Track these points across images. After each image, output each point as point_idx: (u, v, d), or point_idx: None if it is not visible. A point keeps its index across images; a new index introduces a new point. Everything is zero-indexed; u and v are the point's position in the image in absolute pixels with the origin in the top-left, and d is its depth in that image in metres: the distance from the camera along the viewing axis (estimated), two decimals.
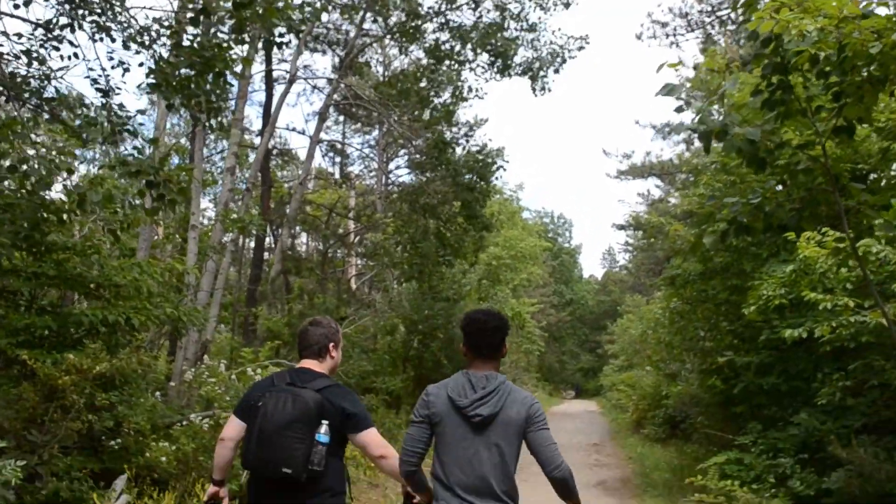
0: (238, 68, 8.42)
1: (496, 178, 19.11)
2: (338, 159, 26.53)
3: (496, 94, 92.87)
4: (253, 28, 7.32)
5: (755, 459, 8.74)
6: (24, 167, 6.77)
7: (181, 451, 7.87)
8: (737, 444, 9.33)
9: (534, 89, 18.70)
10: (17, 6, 7.17)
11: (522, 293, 38.12)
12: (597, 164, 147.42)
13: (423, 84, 18.71)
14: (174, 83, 6.76)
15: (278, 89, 18.66)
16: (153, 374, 10.16)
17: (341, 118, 27.02)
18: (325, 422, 3.85)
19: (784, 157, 5.14)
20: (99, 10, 7.17)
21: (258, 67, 18.39)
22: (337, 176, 26.90)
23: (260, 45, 10.20)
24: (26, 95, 7.46)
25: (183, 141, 19.55)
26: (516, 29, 18.26)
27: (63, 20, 7.21)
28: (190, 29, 6.97)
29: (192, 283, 12.31)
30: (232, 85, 9.34)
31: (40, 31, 7.35)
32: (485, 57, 18.47)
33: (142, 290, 8.47)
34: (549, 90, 18.85)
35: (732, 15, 20.59)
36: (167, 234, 18.20)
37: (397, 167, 25.68)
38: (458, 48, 18.25)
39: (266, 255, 22.50)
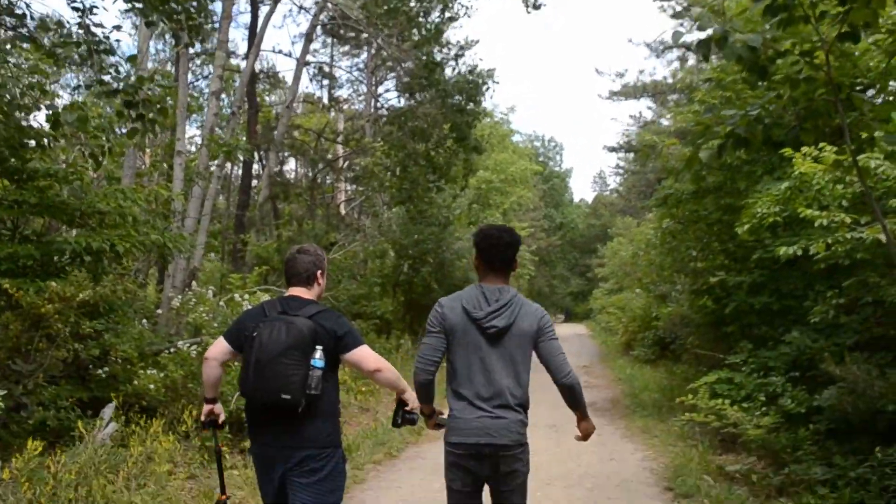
0: None
1: (487, 99, 18.85)
2: (326, 83, 26.08)
3: (487, 12, 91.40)
4: None
5: (746, 378, 8.71)
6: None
7: (169, 378, 7.82)
8: (727, 363, 9.30)
9: (526, 3, 18.20)
10: None
11: (513, 217, 38.12)
12: (589, 85, 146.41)
13: (412, 3, 18.25)
14: None
15: (263, 10, 18.17)
16: (140, 302, 10.04)
17: (329, 40, 26.52)
18: (318, 347, 3.93)
19: (783, 68, 4.96)
20: None
21: None
22: (325, 101, 26.50)
23: None
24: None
25: (169, 67, 19.13)
26: None
27: None
28: None
29: (178, 210, 12.13)
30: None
31: None
32: None
33: (126, 217, 8.31)
34: (543, 5, 18.34)
35: None
36: (154, 162, 17.93)
37: (387, 90, 25.31)
38: None
39: (254, 182, 22.24)
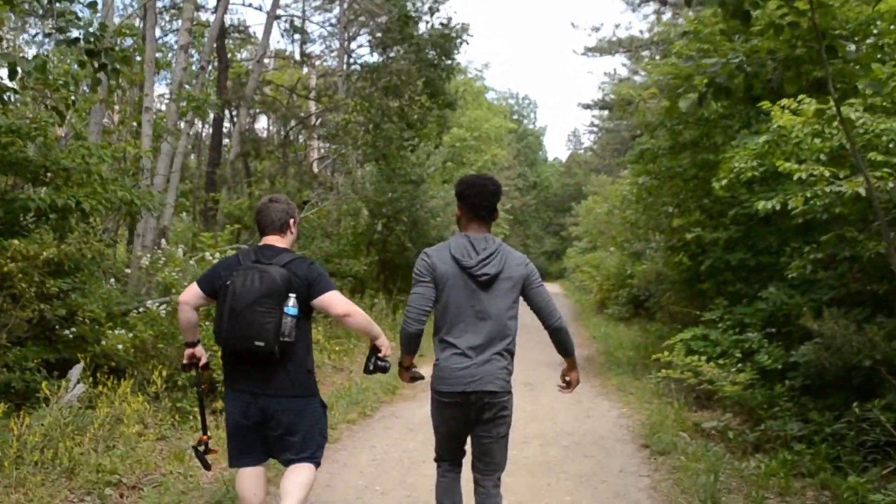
0: None
1: (460, 55, 18.62)
2: (297, 37, 25.58)
3: None
4: None
5: (721, 335, 8.69)
6: None
7: (138, 338, 7.64)
8: (703, 320, 9.28)
9: None
10: None
11: None
12: (564, 41, 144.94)
13: None
14: None
15: None
16: (108, 261, 9.84)
17: None
18: (292, 295, 4.01)
19: (764, 18, 4.85)
20: None
21: None
22: (297, 57, 26.05)
23: None
24: None
25: (137, 23, 18.64)
26: None
27: None
28: None
29: (147, 168, 11.87)
30: None
31: None
32: None
33: (93, 174, 8.09)
34: None
35: None
36: (122, 119, 17.55)
37: (360, 46, 24.93)
38: None
39: (226, 141, 21.86)
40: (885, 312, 6.81)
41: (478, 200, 4.02)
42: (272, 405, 4.10)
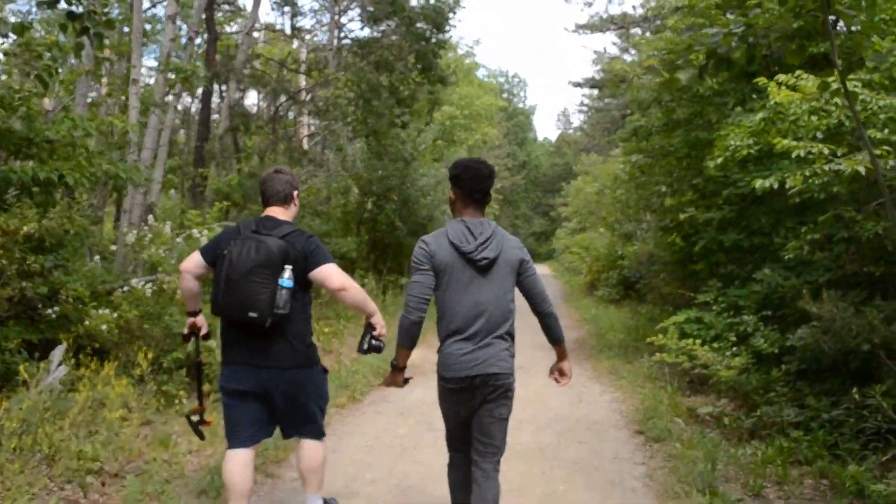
0: None
1: (452, 30, 18.38)
2: (287, 9, 25.22)
3: None
4: None
5: (715, 318, 8.57)
6: None
7: (123, 318, 7.45)
8: (696, 302, 9.15)
9: None
10: None
11: (478, 154, 37.69)
12: (554, 18, 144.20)
13: None
14: None
15: None
16: (92, 237, 9.62)
17: None
18: (288, 267, 4.04)
19: None
20: None
21: None
22: (287, 31, 25.71)
23: None
24: None
25: None
26: None
27: None
28: None
29: (134, 142, 11.63)
30: None
31: None
32: None
33: (77, 147, 7.88)
34: None
35: None
36: (109, 92, 17.28)
37: (350, 20, 24.61)
38: None
39: (215, 116, 21.57)
40: (883, 294, 6.71)
41: (473, 184, 4.02)
42: (273, 378, 4.14)
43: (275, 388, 4.17)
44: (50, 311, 7.13)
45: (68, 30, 5.71)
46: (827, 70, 6.67)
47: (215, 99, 21.27)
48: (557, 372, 4.34)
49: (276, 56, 24.07)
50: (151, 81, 17.65)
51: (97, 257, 9.09)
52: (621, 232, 19.45)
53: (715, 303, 8.80)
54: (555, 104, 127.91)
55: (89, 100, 14.07)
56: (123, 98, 14.73)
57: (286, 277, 4.01)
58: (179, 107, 19.46)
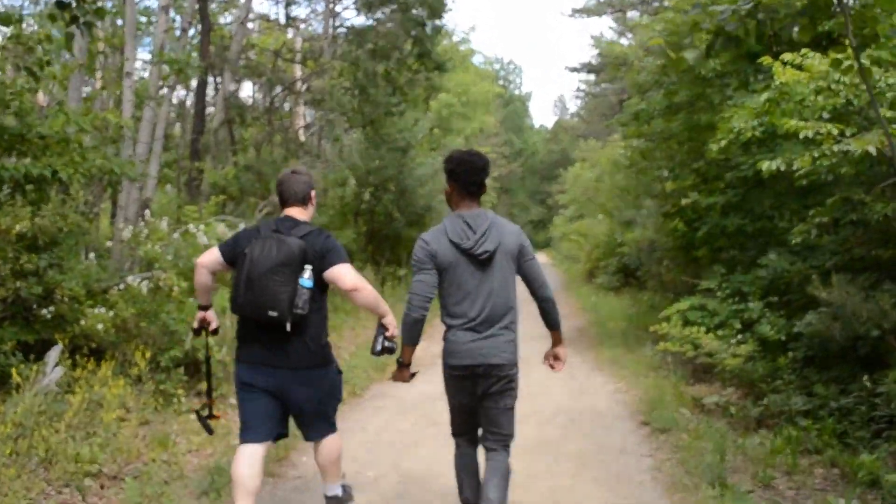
0: None
1: (447, 14, 18.19)
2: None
3: None
4: None
5: (719, 305, 8.45)
6: None
7: (119, 317, 7.32)
8: (700, 289, 9.02)
9: None
10: None
11: (475, 143, 37.52)
12: (549, 4, 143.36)
13: None
14: None
15: None
16: (87, 234, 9.48)
17: None
18: (308, 266, 4.08)
19: None
20: None
21: None
22: (282, 20, 25.50)
23: None
24: None
25: None
26: None
27: None
28: None
29: (129, 136, 11.48)
30: None
31: None
32: None
33: (71, 142, 7.75)
34: None
35: None
36: (104, 85, 17.11)
37: (345, 8, 24.36)
38: None
39: (211, 109, 21.40)
40: (892, 279, 6.57)
41: (468, 177, 4.07)
42: (289, 378, 4.20)
43: (290, 387, 4.22)
44: (45, 311, 6.99)
45: (57, 20, 5.60)
46: (834, 49, 6.53)
47: (210, 91, 21.08)
48: (552, 357, 4.41)
49: (270, 46, 23.87)
50: (146, 75, 17.48)
51: (92, 255, 8.96)
52: (621, 218, 19.31)
53: (719, 289, 8.66)
54: (550, 92, 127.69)
55: (84, 94, 13.91)
56: (118, 92, 14.59)
57: (306, 278, 4.06)
58: (174, 100, 19.28)
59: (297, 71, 22.71)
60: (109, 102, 15.97)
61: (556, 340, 4.37)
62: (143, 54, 21.16)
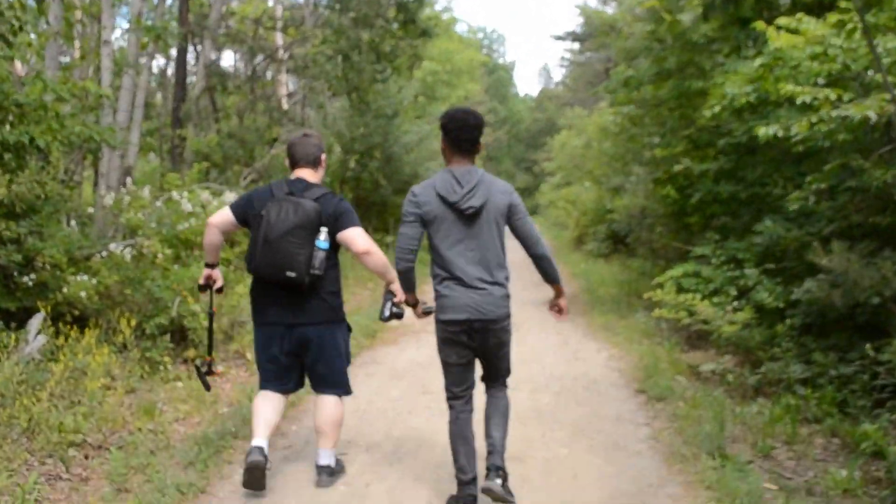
0: None
1: None
2: None
3: None
4: None
5: (714, 271, 8.34)
6: None
7: (102, 284, 7.14)
8: (693, 256, 8.90)
9: None
10: None
11: None
12: None
13: None
14: None
15: None
16: (67, 202, 9.25)
17: None
18: (324, 228, 4.23)
19: None
20: None
21: None
22: None
23: None
24: None
25: None
26: None
27: None
28: None
29: (108, 105, 11.22)
30: None
31: None
32: None
33: (49, 110, 7.52)
34: None
35: None
36: (83, 55, 16.76)
37: None
38: None
39: (192, 78, 21.05)
40: (893, 246, 6.46)
41: (460, 134, 4.13)
42: (307, 332, 4.34)
43: (307, 342, 4.38)
44: (26, 278, 6.82)
45: None
46: (831, 14, 6.38)
47: (191, 59, 20.73)
48: (556, 307, 4.53)
49: (251, 14, 23.48)
50: (125, 44, 17.13)
51: (73, 223, 8.75)
52: (609, 186, 19.15)
53: (714, 256, 8.54)
54: (534, 61, 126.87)
55: (63, 64, 13.60)
56: (97, 62, 14.29)
57: (322, 239, 4.20)
58: (155, 69, 18.96)
59: (279, 39, 22.37)
60: (89, 72, 15.65)
61: (558, 293, 4.46)
62: (123, 22, 20.75)
